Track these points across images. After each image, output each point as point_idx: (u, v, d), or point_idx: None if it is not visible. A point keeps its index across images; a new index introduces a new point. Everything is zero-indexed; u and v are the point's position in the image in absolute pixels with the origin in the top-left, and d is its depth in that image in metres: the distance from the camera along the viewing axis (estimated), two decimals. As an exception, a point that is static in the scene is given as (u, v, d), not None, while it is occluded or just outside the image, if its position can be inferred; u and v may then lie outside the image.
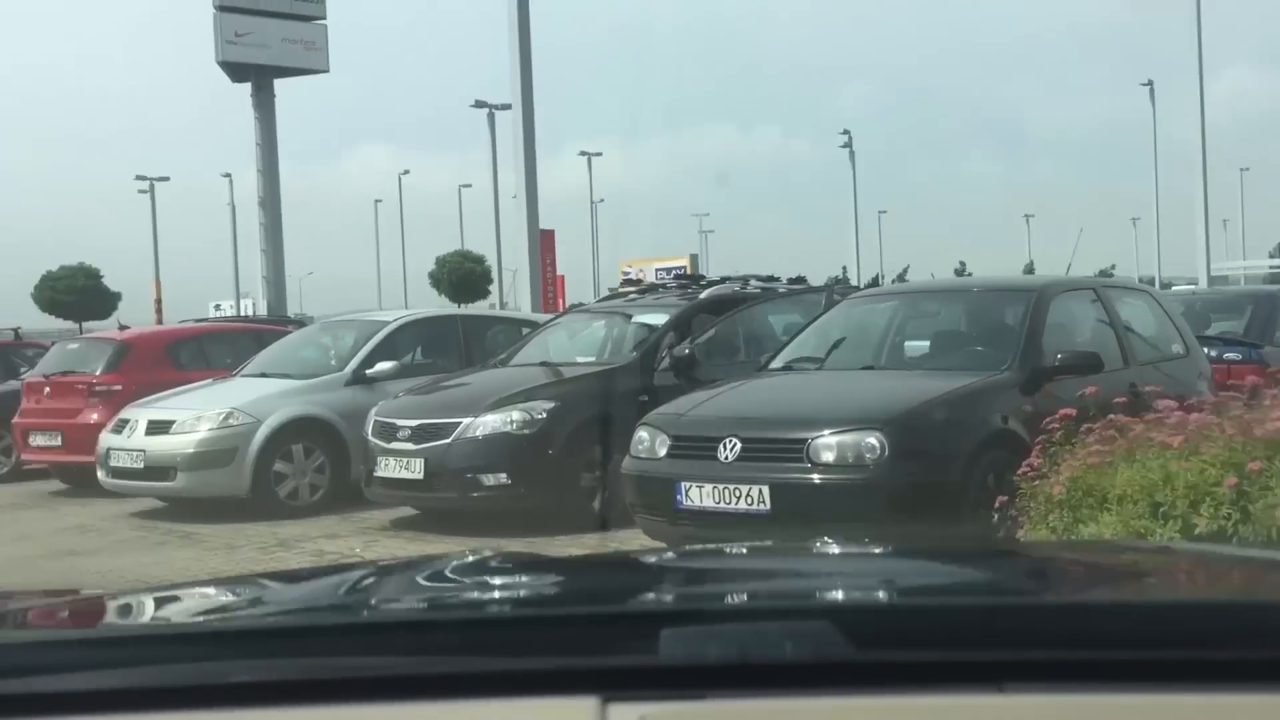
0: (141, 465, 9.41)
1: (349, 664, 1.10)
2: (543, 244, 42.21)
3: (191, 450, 9.24)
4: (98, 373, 11.47)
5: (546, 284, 38.75)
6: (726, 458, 5.94)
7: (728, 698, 1.03)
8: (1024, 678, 1.04)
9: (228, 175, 57.90)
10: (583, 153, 59.11)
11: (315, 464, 9.58)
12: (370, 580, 1.65)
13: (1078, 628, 1.15)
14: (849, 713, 1.03)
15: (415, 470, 8.15)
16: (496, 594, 1.55)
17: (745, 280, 10.11)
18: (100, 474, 9.85)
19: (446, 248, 59.66)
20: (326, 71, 29.00)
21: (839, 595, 1.43)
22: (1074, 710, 1.02)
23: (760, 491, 5.77)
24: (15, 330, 17.35)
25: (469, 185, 64.74)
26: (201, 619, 1.47)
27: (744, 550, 2.19)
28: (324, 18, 28.30)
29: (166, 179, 55.46)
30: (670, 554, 2.42)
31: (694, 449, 6.16)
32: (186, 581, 2.47)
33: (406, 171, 69.92)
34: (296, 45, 27.95)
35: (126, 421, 9.75)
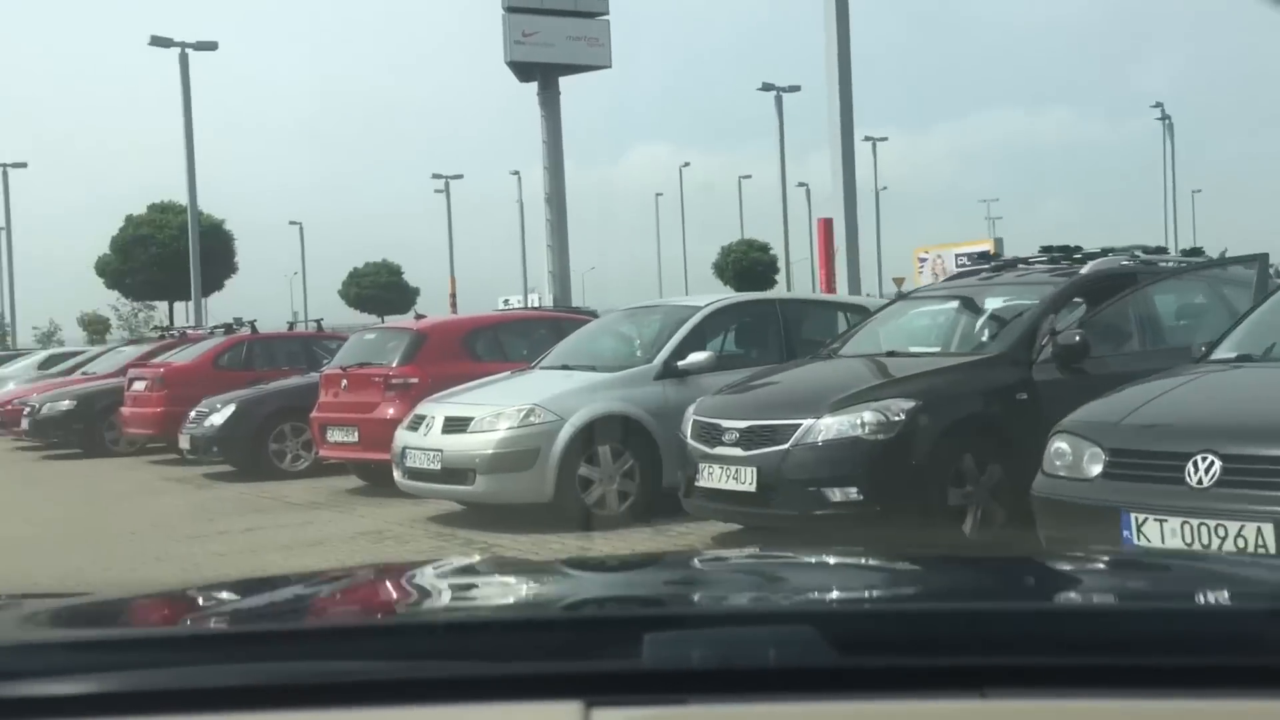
0: (438, 466, 8.56)
1: (332, 669, 1.09)
2: (824, 231, 40.88)
3: (491, 451, 8.30)
4: (393, 365, 10.82)
5: (830, 273, 37.35)
6: (1200, 481, 4.33)
7: (711, 703, 1.03)
8: (1006, 683, 1.04)
9: (516, 173, 59.36)
10: (867, 138, 56.68)
11: (624, 468, 8.48)
12: (354, 585, 1.69)
13: (1060, 633, 1.14)
14: (831, 718, 1.02)
15: (746, 481, 6.85)
16: (480, 598, 1.56)
17: (1132, 252, 8.29)
18: (397, 474, 9.10)
19: (725, 239, 59.10)
20: (609, 67, 29.42)
21: (822, 601, 1.44)
22: (1056, 715, 1.02)
23: (1260, 531, 4.13)
24: (318, 322, 17.41)
25: (748, 176, 64.56)
26: (186, 623, 1.46)
27: (728, 556, 2.38)
28: (606, 13, 28.36)
29: (460, 176, 57.10)
30: (654, 559, 2.37)
31: (1145, 467, 4.58)
32: (174, 585, 2.45)
33: (687, 164, 69.83)
34: (580, 42, 28.02)
35: (423, 418, 8.95)
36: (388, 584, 1.68)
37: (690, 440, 7.32)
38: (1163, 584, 1.57)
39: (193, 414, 13.17)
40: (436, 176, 56.47)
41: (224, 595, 1.69)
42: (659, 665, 1.06)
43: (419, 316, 11.68)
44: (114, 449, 16.31)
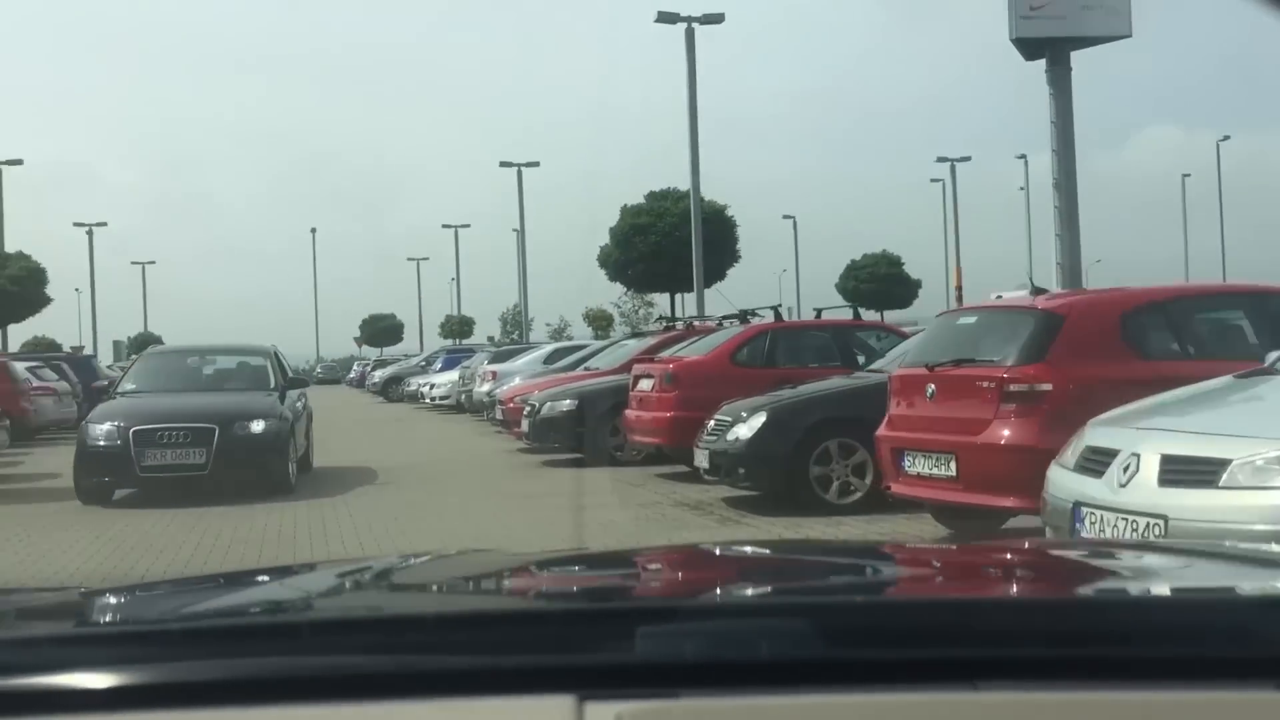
0: (1161, 547, 4.78)
1: (324, 662, 1.08)
2: None
3: (1274, 526, 4.42)
4: (1010, 362, 7.15)
5: None
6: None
7: (703, 696, 1.02)
8: (998, 675, 1.03)
9: (1022, 157, 54.39)
10: None
11: None
12: (347, 578, 1.67)
13: (1051, 625, 1.14)
14: (824, 711, 1.02)
15: None
16: (473, 591, 1.55)
17: None
18: (1058, 547, 5.44)
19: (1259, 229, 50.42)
20: (1128, 36, 26.02)
21: (814, 593, 1.43)
22: (1047, 708, 1.02)
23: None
24: (854, 307, 14.13)
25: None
26: (178, 618, 1.42)
27: (720, 549, 2.26)
28: (1128, -23, 24.24)
29: (968, 159, 52.50)
30: (647, 553, 2.28)
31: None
32: (166, 578, 2.18)
33: (1226, 137, 60.64)
34: (1095, 11, 24.87)
35: (1110, 455, 5.20)
36: (379, 577, 1.68)
37: None
38: (1155, 576, 1.55)
39: (711, 423, 10.29)
40: (941, 160, 52.27)
41: (214, 589, 1.67)
42: (651, 658, 1.05)
43: (1038, 291, 7.85)
44: (618, 456, 13.99)
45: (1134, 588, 1.49)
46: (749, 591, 1.51)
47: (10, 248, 42.07)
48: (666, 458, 12.80)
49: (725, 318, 15.75)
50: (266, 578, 1.81)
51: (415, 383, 33.67)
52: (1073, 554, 1.84)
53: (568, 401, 14.61)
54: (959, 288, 48.38)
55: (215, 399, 12.21)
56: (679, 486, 11.58)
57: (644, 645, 1.05)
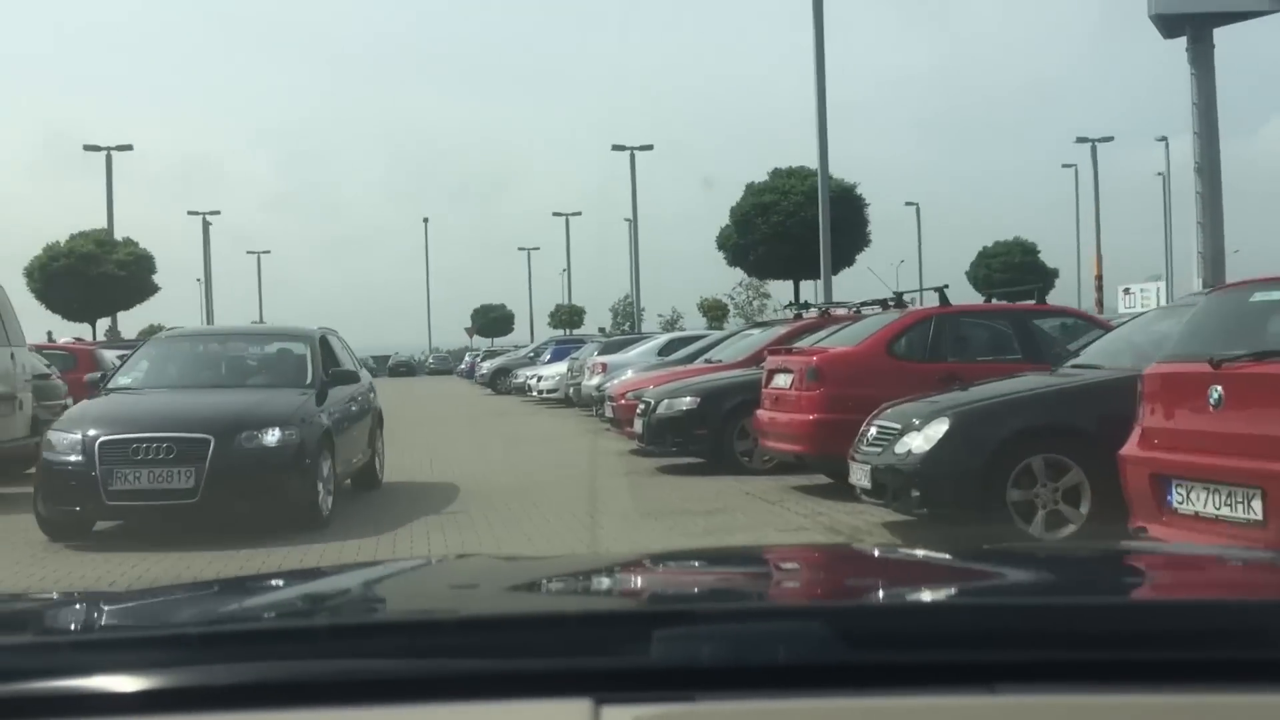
0: None
1: (340, 666, 1.08)
2: None
3: None
4: (1344, 356, 4.89)
5: None
6: None
7: (720, 699, 1.02)
8: (1015, 678, 1.03)
9: (1163, 139, 50.83)
10: None
11: None
12: (362, 582, 1.66)
13: (1069, 628, 1.13)
14: (841, 714, 1.02)
15: None
16: (489, 595, 1.52)
17: None
18: None
19: None
20: (1274, 12, 24.12)
21: (831, 596, 1.47)
22: (1065, 711, 1.01)
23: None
24: (1035, 290, 11.78)
25: None
26: (194, 621, 1.42)
27: (735, 553, 2.30)
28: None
29: (1110, 139, 48.96)
30: (663, 556, 2.28)
31: None
32: (183, 583, 2.08)
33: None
34: None
35: None
36: (396, 581, 1.67)
37: None
38: (1172, 578, 1.56)
39: (872, 431, 8.16)
40: (1081, 141, 48.83)
41: (229, 593, 1.65)
42: (668, 662, 1.05)
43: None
44: (746, 463, 11.96)
45: (1151, 591, 1.46)
46: (766, 595, 1.52)
47: (124, 235, 41.61)
48: (802, 464, 10.70)
49: (864, 304, 13.55)
50: (283, 582, 1.78)
51: (522, 374, 32.06)
52: (1089, 558, 1.82)
53: (688, 399, 12.57)
54: (1098, 277, 45.16)
55: (222, 399, 9.01)
56: (824, 505, 9.46)
57: (660, 649, 1.05)
